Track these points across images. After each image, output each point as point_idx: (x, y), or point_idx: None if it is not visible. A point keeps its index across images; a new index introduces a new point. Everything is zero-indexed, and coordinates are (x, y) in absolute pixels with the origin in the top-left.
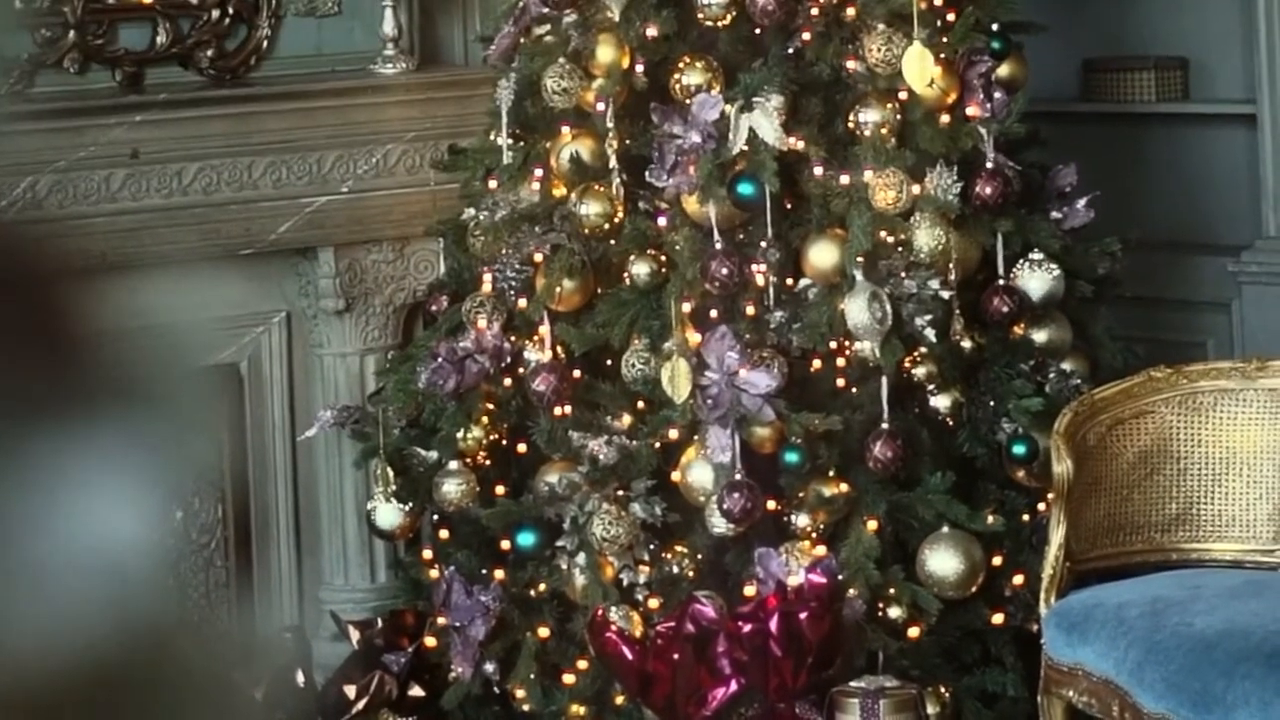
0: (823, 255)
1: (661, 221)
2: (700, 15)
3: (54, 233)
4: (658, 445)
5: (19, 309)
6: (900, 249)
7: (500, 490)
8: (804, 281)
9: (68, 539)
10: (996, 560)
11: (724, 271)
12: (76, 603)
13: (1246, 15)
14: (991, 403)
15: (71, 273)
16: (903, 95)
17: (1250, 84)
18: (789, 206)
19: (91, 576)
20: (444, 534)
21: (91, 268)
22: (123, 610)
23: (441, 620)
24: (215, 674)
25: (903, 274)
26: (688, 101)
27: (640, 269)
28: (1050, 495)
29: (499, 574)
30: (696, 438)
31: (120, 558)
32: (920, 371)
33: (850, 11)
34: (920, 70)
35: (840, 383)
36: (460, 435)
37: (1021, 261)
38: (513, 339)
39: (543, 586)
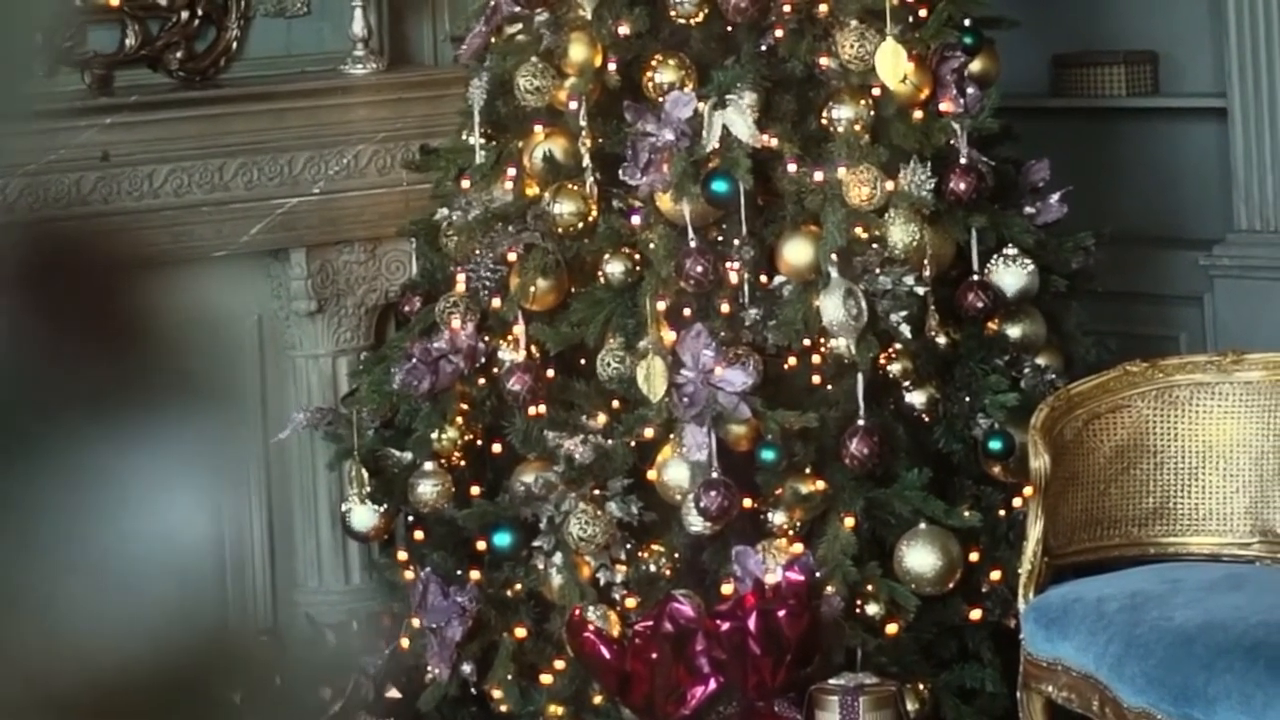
0: (797, 252)
1: (635, 220)
2: (672, 13)
3: (112, 227)
4: (633, 444)
5: (84, 303)
6: (875, 245)
7: (476, 491)
8: (779, 279)
9: (136, 534)
10: (973, 556)
11: (699, 269)
12: (143, 599)
13: (1215, 9)
14: (967, 398)
15: (133, 267)
16: (876, 91)
17: (1220, 77)
18: (763, 204)
19: (158, 572)
20: (419, 535)
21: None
22: (189, 608)
23: (417, 622)
24: (276, 675)
25: (877, 270)
26: (661, 99)
27: (614, 267)
28: (1028, 490)
29: (475, 575)
30: (672, 436)
31: (186, 553)
32: (896, 368)
33: (823, 8)
34: (893, 66)
35: (816, 380)
36: (435, 436)
37: (995, 257)
38: (487, 339)
39: (519, 587)
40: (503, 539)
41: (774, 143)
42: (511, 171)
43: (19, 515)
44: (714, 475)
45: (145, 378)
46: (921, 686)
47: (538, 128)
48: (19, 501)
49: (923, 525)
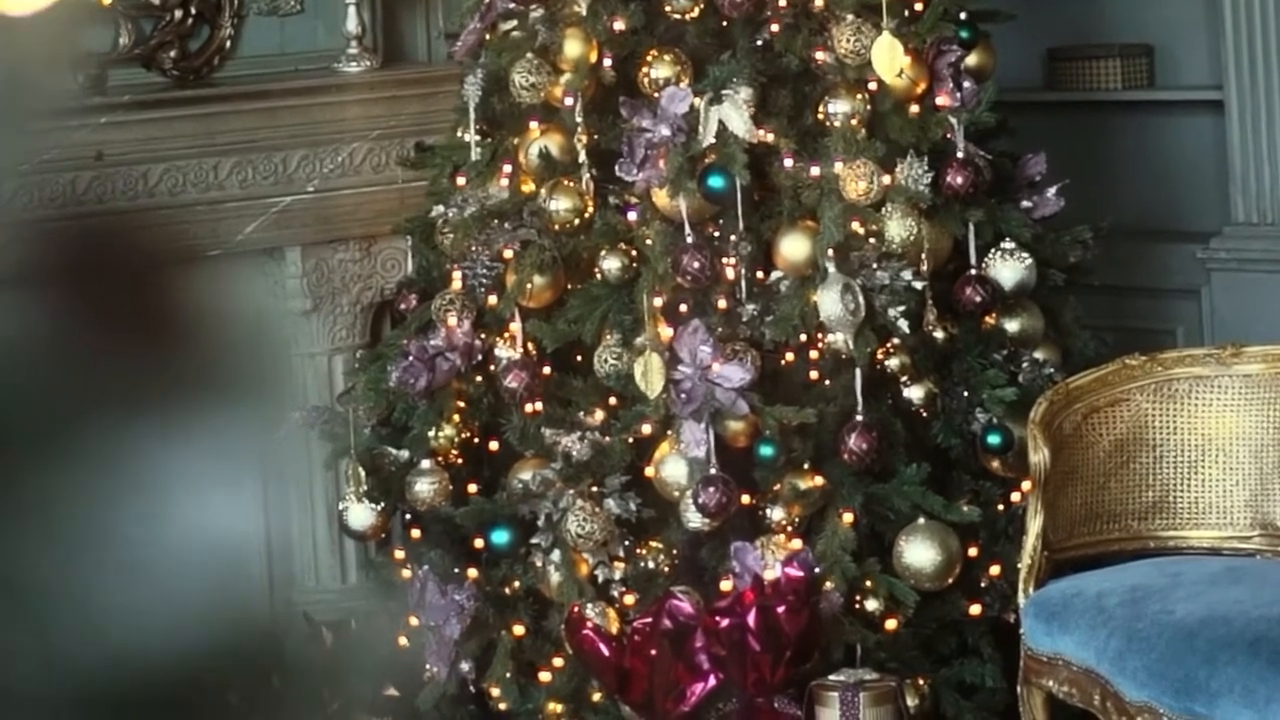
0: (794, 247)
1: (632, 216)
2: (668, 8)
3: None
4: (631, 441)
5: (121, 298)
6: (872, 240)
7: (473, 488)
8: (776, 274)
9: (171, 531)
10: (973, 551)
11: (695, 265)
12: (180, 597)
13: (1211, 1)
14: (965, 393)
15: (170, 262)
16: (872, 86)
17: (1216, 70)
18: (759, 199)
19: (195, 570)
20: (416, 533)
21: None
22: (226, 604)
23: (415, 620)
24: (274, 674)
25: (875, 265)
26: (656, 95)
27: (611, 264)
28: (1027, 485)
29: (473, 573)
30: (670, 432)
31: (228, 552)
32: (893, 363)
33: (819, 2)
34: (889, 60)
35: (813, 375)
36: (432, 434)
37: (993, 251)
38: (483, 336)
39: (517, 584)
40: (500, 537)
41: (770, 138)
42: (507, 168)
43: (56, 511)
44: (712, 471)
45: (181, 373)
46: (921, 682)
47: (533, 124)
48: (56, 497)
49: (922, 520)
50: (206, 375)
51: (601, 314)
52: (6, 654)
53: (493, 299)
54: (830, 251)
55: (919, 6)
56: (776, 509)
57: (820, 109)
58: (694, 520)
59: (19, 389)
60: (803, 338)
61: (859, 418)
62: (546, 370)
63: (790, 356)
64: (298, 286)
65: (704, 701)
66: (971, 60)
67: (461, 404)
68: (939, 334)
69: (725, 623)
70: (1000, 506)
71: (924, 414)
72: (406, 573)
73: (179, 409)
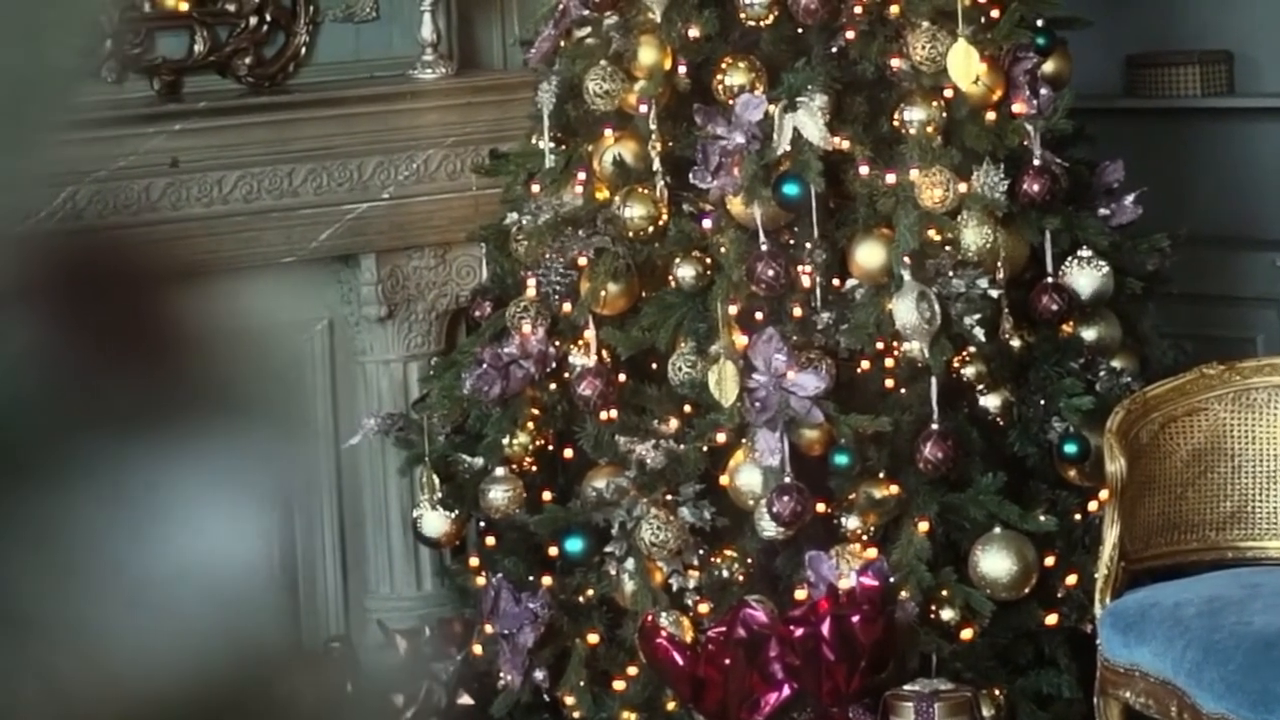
0: (869, 255)
1: (706, 223)
2: (742, 15)
3: (155, 235)
4: (705, 449)
5: (119, 313)
6: (948, 248)
7: (547, 496)
8: (851, 282)
9: (174, 557)
10: (1049, 560)
11: (770, 273)
12: (183, 626)
13: None
14: (1042, 402)
15: (171, 276)
16: (948, 93)
17: None
18: (834, 206)
19: (199, 597)
20: (490, 541)
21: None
22: (231, 634)
23: (489, 628)
24: (325, 701)
25: (950, 273)
26: (731, 102)
27: (685, 271)
28: (1103, 494)
29: (547, 581)
30: (745, 441)
31: (228, 577)
32: (969, 371)
33: (894, 9)
34: (965, 67)
35: (889, 383)
36: (506, 441)
37: (1070, 259)
38: (557, 344)
39: (591, 592)
40: (574, 545)
41: (845, 145)
42: (581, 175)
43: (53, 537)
44: (786, 480)
45: (184, 393)
46: (997, 692)
47: (607, 131)
48: (53, 523)
49: (998, 530)
50: (276, 384)
51: (676, 321)
52: (53, 683)
53: (567, 306)
54: (906, 259)
55: (995, 13)
56: (851, 518)
57: (895, 116)
58: (768, 529)
59: (72, 403)
60: (878, 346)
61: (934, 426)
62: (621, 378)
63: (865, 364)
64: (372, 293)
65: (778, 711)
66: (1048, 67)
67: (536, 411)
68: (1015, 342)
69: (800, 632)
70: (1077, 516)
71: (1000, 423)
72: (480, 580)
73: (187, 430)
